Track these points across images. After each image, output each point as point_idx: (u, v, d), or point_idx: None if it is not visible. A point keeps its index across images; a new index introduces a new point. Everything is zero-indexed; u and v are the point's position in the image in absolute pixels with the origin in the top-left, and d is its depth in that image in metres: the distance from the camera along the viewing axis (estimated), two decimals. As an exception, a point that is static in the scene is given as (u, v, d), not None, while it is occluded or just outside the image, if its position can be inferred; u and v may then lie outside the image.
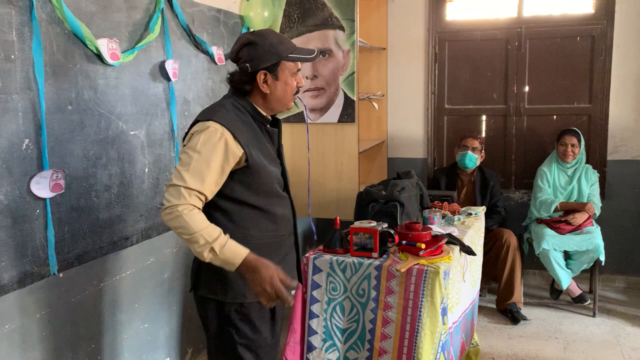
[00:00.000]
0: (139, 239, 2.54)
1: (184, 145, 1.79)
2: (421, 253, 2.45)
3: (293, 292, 1.86)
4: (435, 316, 2.38)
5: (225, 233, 1.73)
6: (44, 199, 2.02)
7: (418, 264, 2.43)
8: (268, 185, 1.88)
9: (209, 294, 1.89)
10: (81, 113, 2.19)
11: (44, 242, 2.03)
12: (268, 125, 1.92)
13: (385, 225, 2.63)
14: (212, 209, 1.83)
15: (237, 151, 1.76)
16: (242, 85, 1.85)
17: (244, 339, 1.89)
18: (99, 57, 2.25)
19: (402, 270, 2.39)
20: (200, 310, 1.95)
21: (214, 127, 1.74)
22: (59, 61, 2.07)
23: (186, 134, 1.83)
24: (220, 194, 1.80)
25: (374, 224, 2.61)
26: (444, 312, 2.44)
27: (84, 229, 2.22)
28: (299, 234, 2.14)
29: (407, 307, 2.42)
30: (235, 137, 1.75)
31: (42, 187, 2.00)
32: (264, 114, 1.89)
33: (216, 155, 1.72)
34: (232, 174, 1.79)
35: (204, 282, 1.89)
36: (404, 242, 2.55)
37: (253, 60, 1.81)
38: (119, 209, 2.41)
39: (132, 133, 2.47)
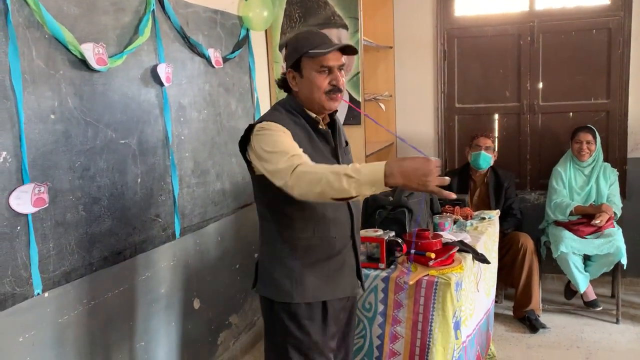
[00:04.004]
0: (132, 253, 2.41)
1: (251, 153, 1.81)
2: (431, 263, 2.30)
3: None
4: (447, 331, 2.23)
5: (271, 236, 1.86)
6: (26, 215, 1.89)
7: (428, 275, 2.28)
8: None
9: (263, 292, 1.94)
10: (65, 122, 2.06)
11: (26, 260, 1.90)
12: (321, 127, 1.90)
13: (393, 233, 2.48)
14: (260, 217, 1.93)
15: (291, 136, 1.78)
16: (282, 83, 1.92)
17: (293, 339, 1.87)
18: (84, 62, 2.12)
19: (411, 282, 2.24)
20: (260, 306, 2.00)
21: (269, 125, 1.77)
22: (40, 68, 1.95)
23: (241, 140, 1.83)
24: (267, 195, 1.84)
25: (380, 232, 2.46)
26: (457, 325, 2.28)
27: (71, 245, 2.09)
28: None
29: (417, 321, 2.27)
30: (288, 130, 1.78)
31: (23, 202, 1.88)
32: (313, 115, 1.88)
33: (280, 134, 1.75)
34: None
35: (260, 280, 1.96)
36: (412, 251, 2.39)
37: (286, 61, 1.88)
38: (110, 222, 2.28)
39: (123, 142, 2.34)
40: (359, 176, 1.52)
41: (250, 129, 1.81)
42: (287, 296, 1.85)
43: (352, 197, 1.57)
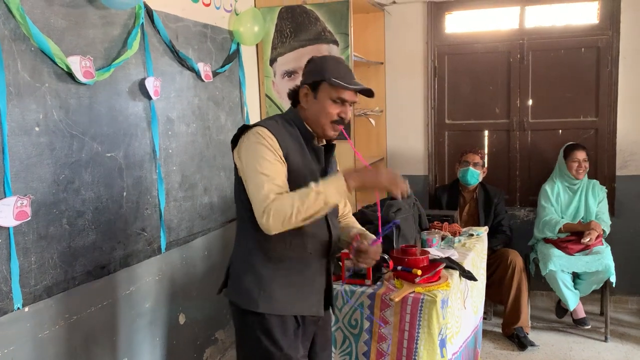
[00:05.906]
0: (116, 268, 2.39)
1: (237, 156, 1.84)
2: (417, 280, 2.29)
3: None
4: (432, 349, 2.21)
5: (247, 240, 1.86)
6: (7, 228, 1.87)
7: (414, 292, 2.26)
8: None
9: (231, 296, 1.93)
10: (50, 135, 2.05)
11: (6, 274, 1.88)
12: (315, 143, 1.91)
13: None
14: (239, 218, 1.93)
15: (278, 149, 1.78)
16: (292, 94, 1.93)
17: (265, 352, 1.84)
18: (71, 75, 2.11)
19: (396, 299, 2.22)
20: (231, 311, 1.97)
21: (258, 129, 1.79)
22: (25, 80, 1.94)
23: (234, 138, 1.87)
24: (246, 199, 1.80)
25: (367, 248, 2.45)
26: (443, 343, 2.26)
27: (53, 259, 2.07)
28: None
29: (403, 339, 2.25)
30: (277, 140, 1.78)
31: (5, 215, 1.86)
32: (310, 129, 1.89)
33: (266, 150, 1.76)
34: None
35: (231, 284, 1.94)
36: (399, 267, 2.39)
37: (304, 75, 1.91)
38: (94, 236, 2.26)
39: (109, 155, 2.33)
40: (323, 189, 1.68)
41: (243, 130, 1.83)
42: (253, 304, 1.83)
43: (324, 207, 1.69)
